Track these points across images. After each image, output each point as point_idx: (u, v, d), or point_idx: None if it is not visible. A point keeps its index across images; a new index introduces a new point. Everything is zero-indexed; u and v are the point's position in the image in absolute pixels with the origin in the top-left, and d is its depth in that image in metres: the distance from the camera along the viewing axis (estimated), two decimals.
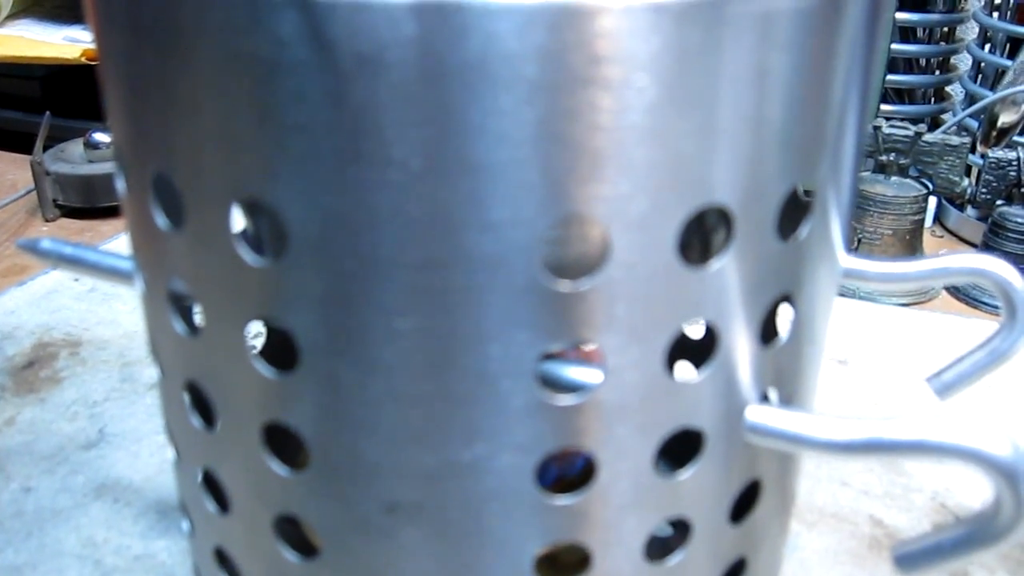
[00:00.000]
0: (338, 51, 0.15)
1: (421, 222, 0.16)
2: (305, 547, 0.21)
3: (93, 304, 0.51)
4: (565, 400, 0.17)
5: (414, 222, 0.16)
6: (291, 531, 0.21)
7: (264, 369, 0.18)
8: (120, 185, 0.20)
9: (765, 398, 0.20)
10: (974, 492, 0.37)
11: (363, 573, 0.19)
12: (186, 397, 0.21)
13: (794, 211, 0.19)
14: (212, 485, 0.21)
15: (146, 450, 0.39)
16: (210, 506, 0.21)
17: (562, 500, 0.18)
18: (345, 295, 0.16)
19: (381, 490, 0.18)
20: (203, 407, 0.21)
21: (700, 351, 0.19)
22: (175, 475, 0.24)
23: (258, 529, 0.20)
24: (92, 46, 0.74)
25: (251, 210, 0.21)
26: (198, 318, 0.20)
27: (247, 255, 0.17)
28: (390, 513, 0.19)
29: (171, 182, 0.17)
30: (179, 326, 0.19)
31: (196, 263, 0.18)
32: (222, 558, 0.22)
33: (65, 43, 0.75)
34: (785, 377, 0.21)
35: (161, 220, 0.18)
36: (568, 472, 0.23)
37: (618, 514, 0.19)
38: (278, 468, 0.19)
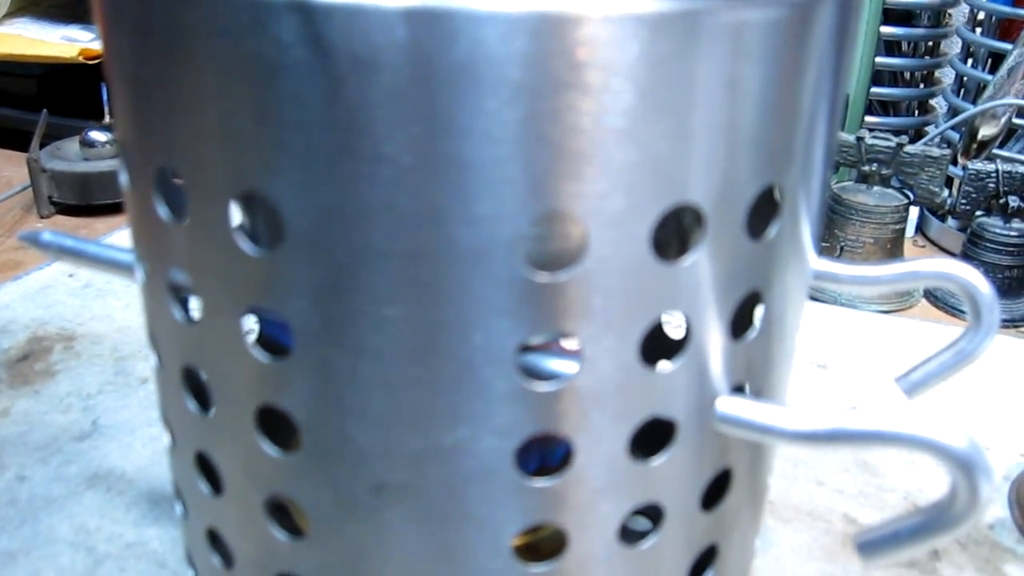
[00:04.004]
0: (334, 53, 0.15)
1: (410, 215, 0.16)
2: (293, 532, 0.21)
3: (87, 300, 0.52)
4: (543, 387, 0.18)
5: (403, 215, 0.16)
6: (279, 518, 0.21)
7: (259, 355, 0.19)
8: (123, 179, 0.21)
9: (738, 390, 0.21)
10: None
11: (350, 553, 0.20)
12: (183, 383, 0.21)
13: (764, 212, 0.20)
14: (206, 468, 0.22)
15: (139, 441, 0.39)
16: (203, 488, 0.22)
17: (540, 483, 0.19)
18: (337, 284, 0.17)
19: (368, 471, 0.19)
20: (198, 393, 0.21)
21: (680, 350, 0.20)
22: (169, 460, 0.25)
23: (250, 510, 0.21)
24: (89, 45, 0.75)
25: (248, 205, 0.21)
26: (194, 309, 0.21)
27: (245, 246, 0.18)
28: (377, 494, 0.19)
29: (174, 176, 0.18)
30: (178, 314, 0.20)
31: (196, 253, 0.19)
32: (214, 539, 0.23)
33: (63, 42, 0.75)
34: (756, 371, 0.22)
35: (163, 212, 0.19)
36: (549, 461, 0.24)
37: (593, 497, 0.20)
38: (270, 450, 0.20)
